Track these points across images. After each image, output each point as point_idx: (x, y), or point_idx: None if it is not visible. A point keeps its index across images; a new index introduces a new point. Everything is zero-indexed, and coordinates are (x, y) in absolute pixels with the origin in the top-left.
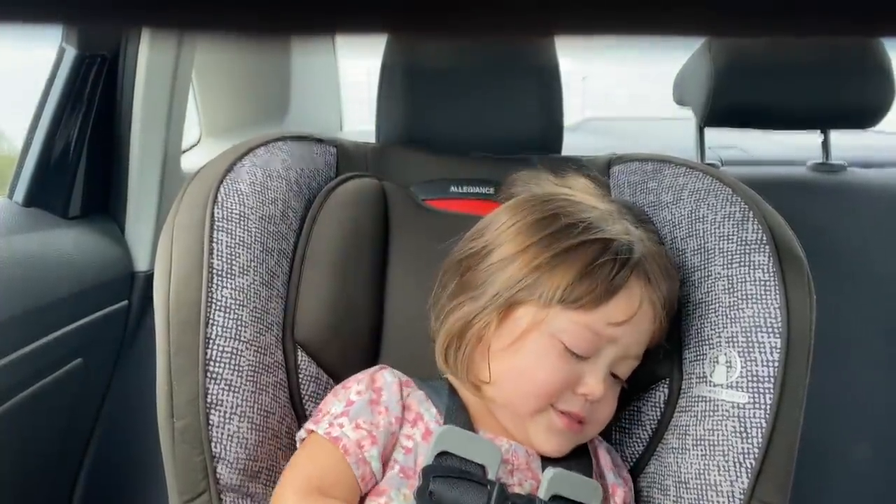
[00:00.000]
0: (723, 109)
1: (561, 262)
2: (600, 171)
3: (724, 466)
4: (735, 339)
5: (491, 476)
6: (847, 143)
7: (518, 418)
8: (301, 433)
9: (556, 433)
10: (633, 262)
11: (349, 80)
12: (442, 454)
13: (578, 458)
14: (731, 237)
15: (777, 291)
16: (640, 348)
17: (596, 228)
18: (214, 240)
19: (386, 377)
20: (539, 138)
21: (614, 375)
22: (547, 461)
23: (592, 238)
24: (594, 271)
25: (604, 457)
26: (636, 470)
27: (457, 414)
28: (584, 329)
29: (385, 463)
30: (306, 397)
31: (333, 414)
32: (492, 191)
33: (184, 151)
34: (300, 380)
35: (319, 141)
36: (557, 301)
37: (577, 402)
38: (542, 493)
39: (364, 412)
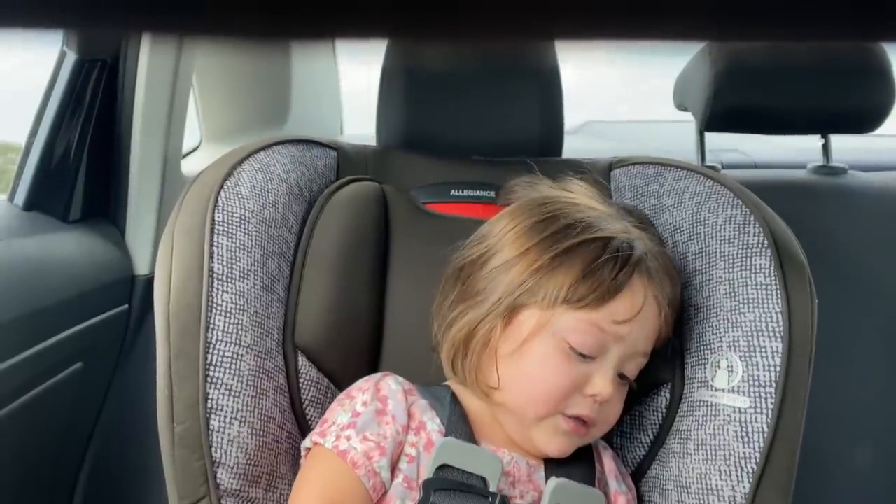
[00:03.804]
0: (723, 113)
1: (562, 263)
2: (601, 173)
3: (725, 471)
4: (736, 344)
5: (492, 488)
6: (848, 145)
7: (523, 425)
8: (307, 442)
9: (560, 434)
10: (634, 259)
11: (350, 86)
12: (443, 467)
13: (581, 465)
14: (732, 241)
15: (778, 295)
16: (647, 345)
17: (595, 227)
18: (215, 243)
19: (390, 385)
20: (539, 141)
21: (622, 376)
22: (549, 472)
23: (592, 237)
24: (596, 270)
25: (608, 463)
26: (637, 474)
27: (458, 425)
28: (589, 327)
29: (392, 471)
30: (307, 402)
31: (339, 425)
32: (492, 194)
33: (184, 155)
34: (301, 384)
35: (320, 144)
36: (561, 302)
37: (586, 403)
38: None
39: (371, 424)
